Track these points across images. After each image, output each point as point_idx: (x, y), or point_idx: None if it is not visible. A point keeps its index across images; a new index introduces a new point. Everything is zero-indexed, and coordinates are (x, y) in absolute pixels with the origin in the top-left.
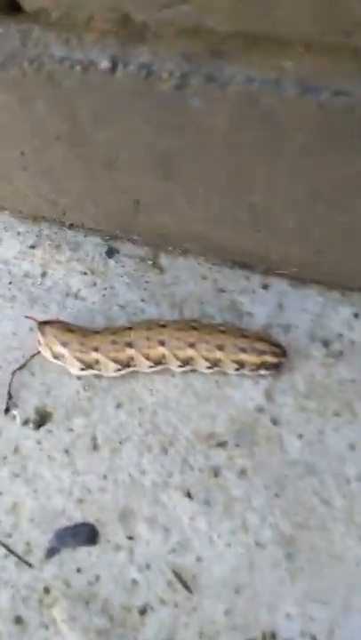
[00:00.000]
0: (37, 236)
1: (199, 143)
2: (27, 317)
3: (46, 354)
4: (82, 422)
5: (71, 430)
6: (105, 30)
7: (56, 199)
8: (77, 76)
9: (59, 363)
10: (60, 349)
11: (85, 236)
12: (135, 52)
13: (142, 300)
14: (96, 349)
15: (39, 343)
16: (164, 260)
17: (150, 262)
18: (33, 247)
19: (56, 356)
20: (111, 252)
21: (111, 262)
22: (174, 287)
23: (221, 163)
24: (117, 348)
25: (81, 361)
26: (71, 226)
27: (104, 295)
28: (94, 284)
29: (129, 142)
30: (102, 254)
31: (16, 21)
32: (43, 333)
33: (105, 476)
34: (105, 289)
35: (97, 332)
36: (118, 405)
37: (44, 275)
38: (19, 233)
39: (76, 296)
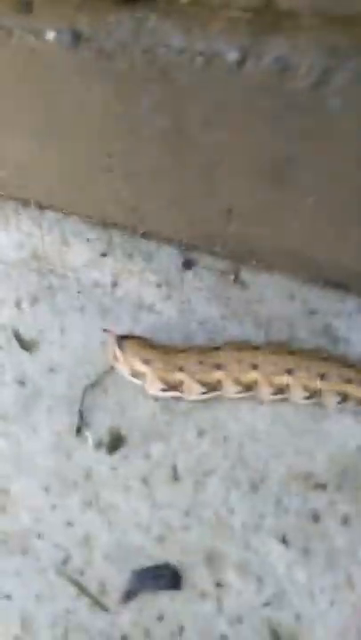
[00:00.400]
0: (108, 244)
1: (327, 151)
2: (104, 330)
3: (124, 371)
4: (160, 449)
5: (149, 457)
6: (234, 18)
7: (136, 205)
8: (197, 69)
9: (136, 381)
10: (140, 367)
11: (159, 245)
12: (270, 44)
13: (223, 318)
14: (181, 369)
15: (115, 359)
16: (246, 274)
17: (231, 277)
18: (104, 255)
19: (135, 375)
20: (188, 264)
21: (188, 275)
22: (258, 305)
23: (352, 175)
24: (205, 370)
25: (164, 381)
26: (144, 234)
27: (181, 310)
28: (169, 298)
29: (239, 145)
30: (178, 266)
31: (130, 9)
32: (122, 349)
33: (188, 513)
34: (182, 303)
35: (182, 351)
36: (200, 433)
37: (114, 285)
38: (88, 240)
39: (149, 309)
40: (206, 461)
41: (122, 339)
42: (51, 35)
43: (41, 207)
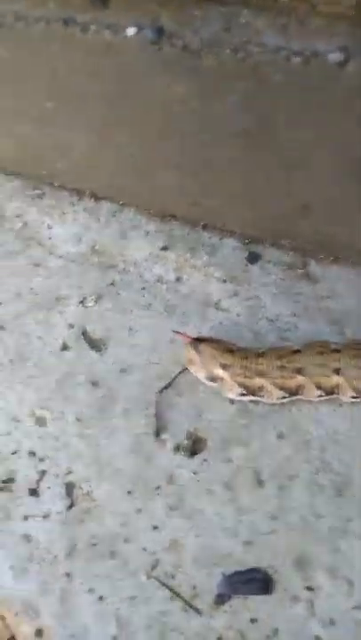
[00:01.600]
0: (168, 237)
1: None
2: (175, 332)
3: (200, 374)
4: (241, 453)
5: (230, 461)
6: (335, 14)
7: (201, 200)
8: (293, 69)
9: (213, 385)
10: (219, 372)
11: (221, 238)
12: None
13: (294, 315)
14: (261, 374)
15: (190, 362)
16: (314, 268)
17: (300, 270)
18: (165, 249)
19: (212, 379)
20: (253, 258)
21: (254, 269)
22: (330, 301)
23: None
24: (285, 375)
25: (243, 386)
26: (205, 226)
27: (249, 306)
28: (236, 294)
29: (327, 144)
30: (243, 260)
31: (219, 3)
32: (198, 352)
33: (274, 517)
34: (249, 299)
35: (260, 355)
36: (280, 436)
37: (178, 280)
38: (147, 232)
39: (216, 306)
40: (288, 465)
41: (197, 342)
42: (131, 31)
43: (96, 198)
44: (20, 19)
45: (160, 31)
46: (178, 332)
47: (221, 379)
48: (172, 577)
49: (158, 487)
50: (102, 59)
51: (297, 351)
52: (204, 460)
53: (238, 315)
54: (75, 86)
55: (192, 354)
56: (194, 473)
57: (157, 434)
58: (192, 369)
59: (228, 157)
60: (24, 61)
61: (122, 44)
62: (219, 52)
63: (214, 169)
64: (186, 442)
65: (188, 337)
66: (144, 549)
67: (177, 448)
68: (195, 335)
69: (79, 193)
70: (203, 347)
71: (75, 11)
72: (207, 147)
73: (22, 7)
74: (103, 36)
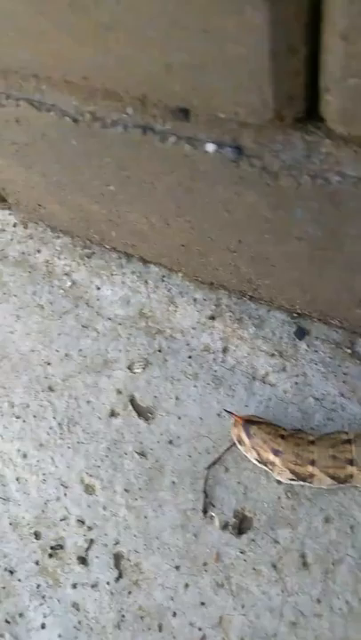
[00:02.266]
0: (216, 306)
1: None
2: (226, 411)
3: (249, 455)
4: (287, 534)
5: (276, 542)
6: None
7: (254, 279)
8: None
9: (263, 467)
10: (270, 456)
11: (269, 310)
12: None
13: (341, 395)
14: (312, 463)
15: (240, 442)
16: None
17: (348, 350)
18: (212, 318)
19: (263, 462)
20: (301, 333)
21: (302, 345)
22: None
23: None
24: (337, 465)
25: (294, 472)
26: (252, 298)
27: (296, 383)
28: (284, 369)
29: None
30: (290, 334)
31: (301, 130)
32: (249, 435)
33: (319, 600)
34: (296, 376)
35: (312, 442)
36: (326, 519)
37: (225, 350)
38: (195, 300)
39: (263, 380)
40: (335, 550)
41: (248, 424)
42: (210, 147)
43: (145, 262)
44: (96, 119)
45: (240, 150)
46: (229, 412)
47: (272, 463)
48: None
49: (206, 564)
50: (178, 166)
51: (348, 441)
52: (252, 540)
53: (285, 391)
54: (140, 177)
55: (243, 435)
56: (241, 552)
57: (205, 511)
58: (242, 449)
59: (289, 252)
60: (92, 151)
61: (200, 158)
62: (297, 175)
63: (271, 259)
64: (233, 520)
65: (240, 418)
66: (191, 624)
67: (224, 526)
68: (245, 415)
69: (128, 255)
70: (254, 430)
71: (154, 120)
72: (267, 242)
73: (99, 109)
74: (182, 147)
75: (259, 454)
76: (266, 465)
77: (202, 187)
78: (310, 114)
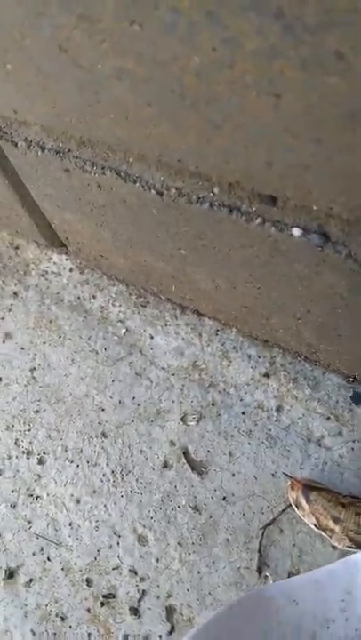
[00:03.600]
0: (270, 364)
1: None
2: (285, 475)
3: (308, 520)
4: None
5: None
6: None
7: (315, 344)
8: None
9: (321, 532)
10: (330, 524)
11: (325, 372)
12: None
13: None
14: None
15: (299, 506)
16: None
17: None
18: (266, 376)
19: (321, 528)
20: (358, 399)
21: (358, 411)
22: None
23: None
24: None
25: (353, 541)
26: (307, 359)
27: (353, 449)
28: (340, 433)
29: None
30: (346, 399)
31: None
32: (308, 500)
33: None
34: (353, 442)
35: None
36: None
37: (279, 409)
38: (249, 356)
39: (319, 443)
40: None
41: (308, 489)
42: (296, 232)
43: (199, 314)
44: (182, 195)
45: (326, 237)
46: (288, 476)
47: (332, 530)
48: None
49: None
50: (258, 242)
51: None
52: None
53: (341, 456)
54: (217, 247)
55: (301, 500)
56: None
57: (260, 570)
58: (300, 513)
59: (359, 327)
60: (171, 221)
61: (285, 241)
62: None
63: (339, 330)
64: None
65: (299, 482)
66: None
67: None
68: (303, 479)
69: (183, 307)
70: (314, 495)
71: (240, 201)
72: (338, 316)
73: (186, 185)
74: (267, 229)
75: (318, 520)
76: (325, 531)
77: (280, 262)
78: None
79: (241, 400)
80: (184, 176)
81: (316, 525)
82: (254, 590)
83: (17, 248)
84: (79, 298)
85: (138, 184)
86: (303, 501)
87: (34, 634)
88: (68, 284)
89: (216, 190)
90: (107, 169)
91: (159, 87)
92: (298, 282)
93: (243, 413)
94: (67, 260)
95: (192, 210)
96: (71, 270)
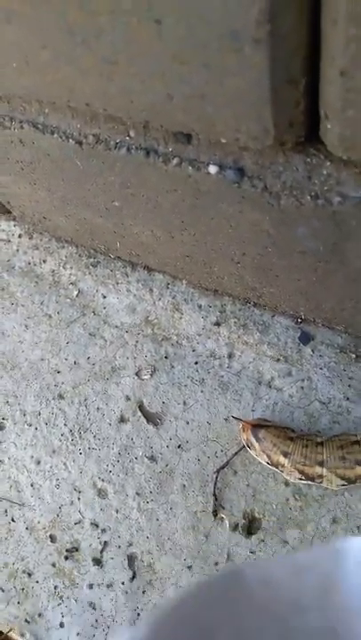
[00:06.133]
0: (221, 312)
1: None
2: (234, 418)
3: (260, 459)
4: (296, 535)
5: (285, 542)
6: None
7: (258, 288)
8: None
9: (273, 469)
10: (279, 458)
11: (273, 316)
12: None
13: (347, 399)
14: (321, 464)
15: (250, 446)
16: None
17: (353, 354)
18: (217, 324)
19: (273, 464)
20: (306, 338)
21: (307, 350)
22: None
23: None
24: (346, 466)
25: (303, 473)
26: (256, 304)
27: (302, 388)
28: (289, 374)
29: None
30: (295, 339)
31: (302, 152)
32: (257, 439)
33: None
34: (302, 380)
35: (320, 444)
36: (334, 520)
37: (230, 356)
38: (200, 307)
39: (269, 385)
40: None
41: (257, 428)
42: (212, 169)
43: (149, 270)
44: (100, 142)
45: (241, 172)
46: (237, 418)
47: (282, 465)
48: None
49: (217, 563)
50: (179, 185)
51: (356, 442)
52: (261, 541)
53: (291, 396)
54: (145, 194)
55: (252, 439)
56: (251, 552)
57: (215, 513)
58: (253, 453)
59: (292, 264)
60: (96, 171)
61: (202, 178)
62: (298, 196)
63: (275, 270)
64: (243, 521)
65: (248, 423)
66: None
67: (234, 527)
68: (253, 420)
69: (133, 264)
70: (263, 433)
71: (157, 143)
72: (271, 255)
73: (102, 132)
74: (184, 169)
75: (269, 457)
76: (276, 467)
77: (205, 204)
78: (311, 137)
79: (193, 350)
80: (99, 122)
81: (268, 462)
82: (227, 570)
83: None
84: (30, 263)
85: (56, 135)
86: (253, 440)
87: (2, 591)
88: (17, 251)
89: (132, 133)
90: (24, 122)
91: (47, 26)
92: (226, 223)
93: (195, 363)
94: (15, 226)
95: (112, 156)
96: (20, 236)
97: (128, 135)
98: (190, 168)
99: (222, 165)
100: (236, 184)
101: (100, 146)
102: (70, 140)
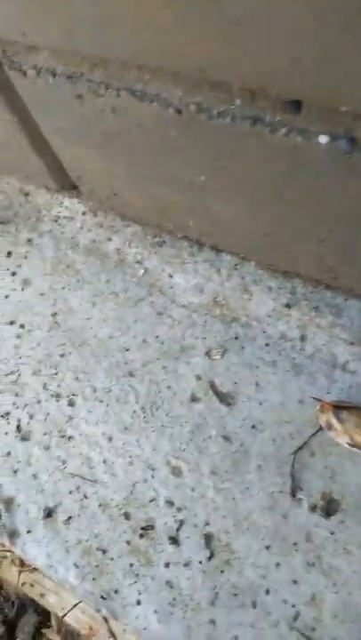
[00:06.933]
0: (292, 294)
1: None
2: (314, 399)
3: (342, 440)
4: None
5: None
6: None
7: (336, 267)
8: None
9: (357, 450)
10: None
11: (346, 299)
12: None
13: None
14: None
15: (330, 427)
16: None
17: None
18: (288, 306)
19: (356, 445)
20: None
21: None
22: None
23: None
24: None
25: None
26: (328, 286)
27: None
28: None
29: None
30: None
31: None
32: (339, 419)
33: None
34: None
35: None
36: None
37: (303, 339)
38: (269, 288)
39: (344, 368)
40: None
41: (339, 409)
42: (323, 139)
43: (217, 250)
44: (201, 110)
45: (354, 142)
46: (317, 399)
47: None
48: (313, 629)
49: (296, 543)
50: (285, 157)
51: None
52: (341, 522)
53: None
54: (238, 166)
55: (333, 420)
56: (331, 533)
57: (293, 493)
58: (333, 434)
59: None
60: (190, 143)
61: (310, 149)
62: None
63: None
64: (321, 502)
65: (329, 404)
66: (285, 602)
67: (313, 508)
68: (332, 401)
69: (199, 244)
70: (345, 415)
71: (263, 112)
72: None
73: (206, 100)
74: (292, 139)
75: (352, 438)
76: (360, 448)
77: (306, 177)
78: None
79: (264, 332)
80: (203, 90)
81: (350, 444)
82: None
83: (27, 194)
84: (94, 241)
85: (155, 103)
86: (335, 421)
87: (77, 567)
88: (82, 228)
89: (238, 102)
90: (122, 90)
91: None
92: (323, 198)
93: (266, 345)
94: (79, 203)
95: (213, 126)
96: (84, 214)
97: (233, 104)
98: (299, 138)
99: (334, 135)
100: (347, 154)
101: (202, 115)
102: (170, 109)
